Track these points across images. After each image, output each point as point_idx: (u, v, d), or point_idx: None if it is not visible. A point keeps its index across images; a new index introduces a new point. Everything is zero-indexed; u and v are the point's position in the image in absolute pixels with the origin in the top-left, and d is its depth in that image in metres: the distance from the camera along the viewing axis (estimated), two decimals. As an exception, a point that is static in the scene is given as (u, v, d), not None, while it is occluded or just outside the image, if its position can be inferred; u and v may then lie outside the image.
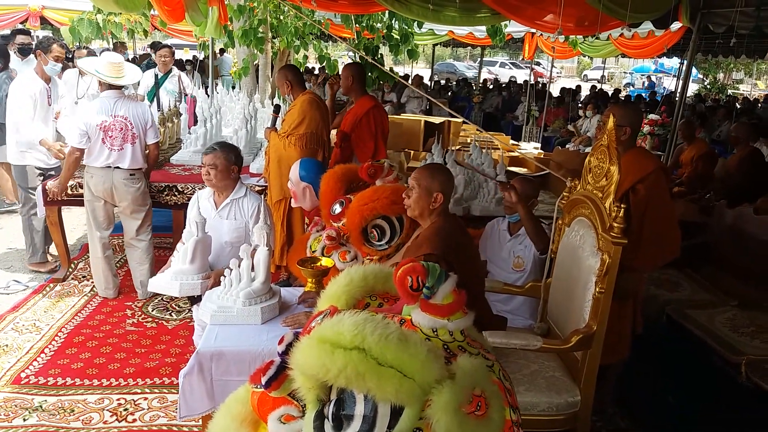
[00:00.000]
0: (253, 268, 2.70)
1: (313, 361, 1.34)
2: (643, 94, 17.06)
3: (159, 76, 6.34)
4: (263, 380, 1.60)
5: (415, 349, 1.34)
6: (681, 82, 6.76)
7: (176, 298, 4.22)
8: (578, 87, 16.15)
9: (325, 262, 2.84)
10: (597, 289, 2.46)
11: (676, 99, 7.18)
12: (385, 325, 1.37)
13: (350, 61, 7.48)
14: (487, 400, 1.40)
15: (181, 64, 11.59)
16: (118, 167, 4.12)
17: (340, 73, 4.92)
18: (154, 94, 6.25)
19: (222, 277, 2.73)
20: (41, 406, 3.07)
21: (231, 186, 3.41)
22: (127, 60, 5.58)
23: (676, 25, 6.79)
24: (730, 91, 22.00)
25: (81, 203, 4.32)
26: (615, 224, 2.42)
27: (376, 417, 1.35)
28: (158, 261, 4.37)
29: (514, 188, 3.18)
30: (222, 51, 12.03)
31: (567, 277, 2.76)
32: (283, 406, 1.61)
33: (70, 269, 4.74)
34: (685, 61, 6.71)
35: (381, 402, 1.34)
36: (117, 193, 4.17)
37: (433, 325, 1.52)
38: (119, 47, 8.32)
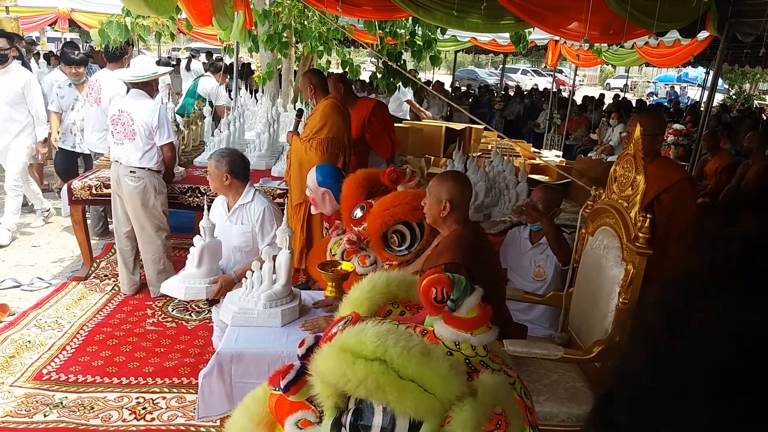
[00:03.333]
0: (274, 271, 2.71)
1: (333, 370, 1.33)
2: (664, 103, 16.88)
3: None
4: (282, 384, 1.60)
5: (437, 363, 1.32)
6: (707, 92, 6.67)
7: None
8: (602, 96, 16.01)
9: (345, 266, 2.84)
10: (621, 300, 2.43)
11: (701, 109, 7.09)
12: (408, 337, 1.35)
13: (373, 66, 7.51)
14: (507, 419, 1.38)
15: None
16: (120, 162, 4.16)
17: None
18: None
19: (243, 279, 2.75)
20: (62, 403, 3.10)
21: (237, 191, 3.46)
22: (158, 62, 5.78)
23: (702, 35, 6.71)
24: (756, 102, 21.67)
25: (105, 203, 4.37)
26: (640, 234, 2.39)
27: (394, 430, 1.34)
28: (180, 262, 4.40)
29: (533, 206, 3.16)
30: (189, 60, 11.99)
31: (590, 286, 2.73)
32: (301, 411, 1.61)
33: (93, 267, 4.79)
34: (711, 71, 6.63)
35: (400, 415, 1.32)
36: (120, 188, 4.19)
37: (456, 338, 1.50)
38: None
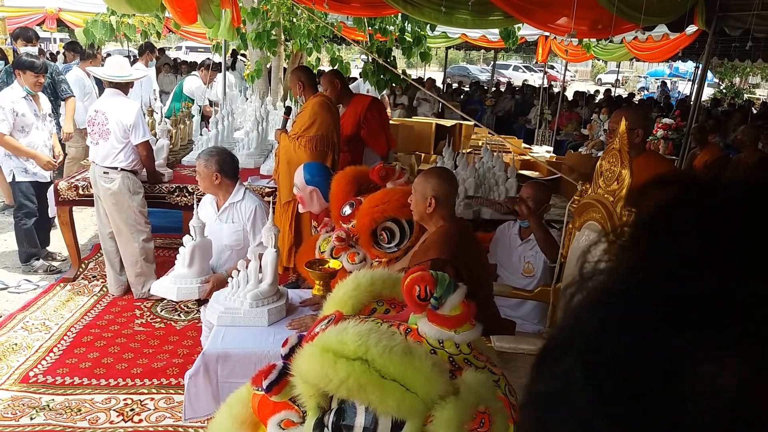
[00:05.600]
0: (260, 270, 2.69)
1: (315, 370, 1.32)
2: (654, 97, 16.92)
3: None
4: (264, 384, 1.58)
5: (419, 362, 1.31)
6: (696, 86, 6.68)
7: (184, 298, 4.22)
8: (596, 92, 16.04)
9: (333, 264, 2.83)
10: (607, 295, 2.41)
11: (691, 103, 7.11)
12: (390, 336, 1.34)
13: (362, 63, 7.49)
14: (491, 417, 1.37)
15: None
16: (95, 162, 4.12)
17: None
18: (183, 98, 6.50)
19: (230, 279, 2.73)
20: (48, 405, 3.08)
21: (227, 190, 3.44)
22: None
23: (691, 29, 6.72)
24: (746, 96, 21.77)
25: (92, 203, 4.34)
26: (626, 229, 2.38)
27: (377, 430, 1.33)
28: (168, 262, 4.37)
29: (524, 202, 3.14)
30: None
31: (577, 282, 2.72)
32: (284, 411, 1.59)
33: (81, 269, 4.75)
34: (701, 65, 6.64)
35: (382, 415, 1.31)
36: (97, 189, 4.15)
37: (439, 336, 1.49)
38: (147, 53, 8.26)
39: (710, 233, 0.33)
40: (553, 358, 0.37)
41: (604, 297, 0.36)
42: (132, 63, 7.62)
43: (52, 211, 4.48)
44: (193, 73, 7.26)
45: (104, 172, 4.09)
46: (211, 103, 6.71)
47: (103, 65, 5.81)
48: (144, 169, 4.31)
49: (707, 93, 17.54)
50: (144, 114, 4.14)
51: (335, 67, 7.14)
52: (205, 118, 6.24)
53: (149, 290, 4.15)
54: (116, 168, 4.08)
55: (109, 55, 5.68)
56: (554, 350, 0.38)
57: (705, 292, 0.31)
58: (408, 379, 1.29)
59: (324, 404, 1.48)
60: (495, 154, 4.92)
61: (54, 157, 4.71)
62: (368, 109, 4.71)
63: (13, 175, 4.55)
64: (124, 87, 4.15)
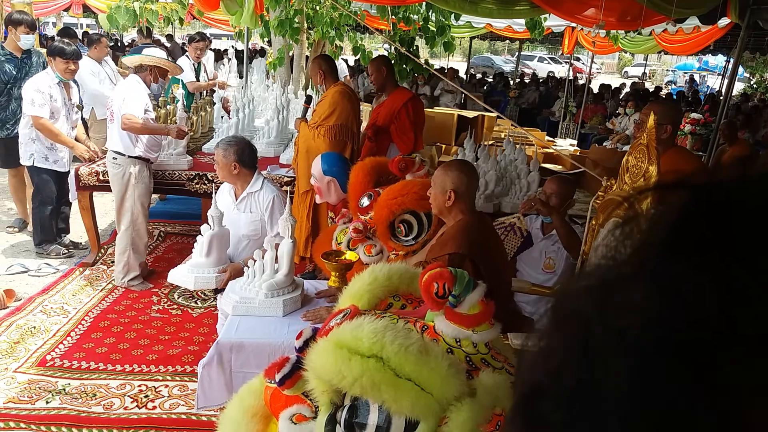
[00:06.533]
0: (276, 260, 2.66)
1: (328, 366, 1.28)
2: (684, 91, 16.59)
3: (196, 66, 6.43)
4: (277, 377, 1.55)
5: (435, 362, 1.26)
6: (727, 80, 6.51)
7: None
8: (622, 85, 15.77)
9: (350, 255, 2.79)
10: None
11: (720, 98, 6.94)
12: (406, 334, 1.30)
13: (384, 53, 7.41)
14: (508, 420, 1.32)
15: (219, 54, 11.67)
16: (107, 148, 4.13)
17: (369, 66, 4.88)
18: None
19: (246, 268, 2.71)
20: (64, 389, 3.09)
21: (245, 180, 3.41)
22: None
23: (723, 21, 6.55)
24: (777, 91, 21.26)
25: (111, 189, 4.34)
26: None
27: (390, 429, 1.29)
28: (186, 249, 4.38)
29: (545, 204, 3.08)
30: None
31: (600, 280, 2.65)
32: (296, 405, 1.56)
33: (100, 254, 4.77)
34: (732, 59, 6.47)
35: (396, 414, 1.27)
36: (108, 175, 4.15)
37: (456, 335, 1.44)
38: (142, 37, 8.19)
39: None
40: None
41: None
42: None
43: (72, 195, 4.50)
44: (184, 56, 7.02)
45: (113, 158, 4.08)
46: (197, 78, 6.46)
47: (109, 52, 5.79)
48: (153, 155, 4.26)
49: (737, 88, 17.17)
50: (140, 92, 4.02)
51: (357, 56, 7.09)
52: (190, 96, 6.06)
53: (128, 281, 4.17)
54: (124, 155, 4.05)
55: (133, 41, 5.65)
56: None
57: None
58: (423, 379, 1.25)
59: (337, 400, 1.45)
60: (518, 146, 4.84)
61: (90, 149, 4.69)
62: (405, 105, 4.53)
63: (34, 159, 4.56)
64: (145, 74, 4.09)
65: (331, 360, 1.30)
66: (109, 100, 4.15)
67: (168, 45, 9.80)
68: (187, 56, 6.55)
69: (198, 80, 6.44)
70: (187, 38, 7.24)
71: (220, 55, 12.18)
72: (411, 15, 6.93)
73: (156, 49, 4.33)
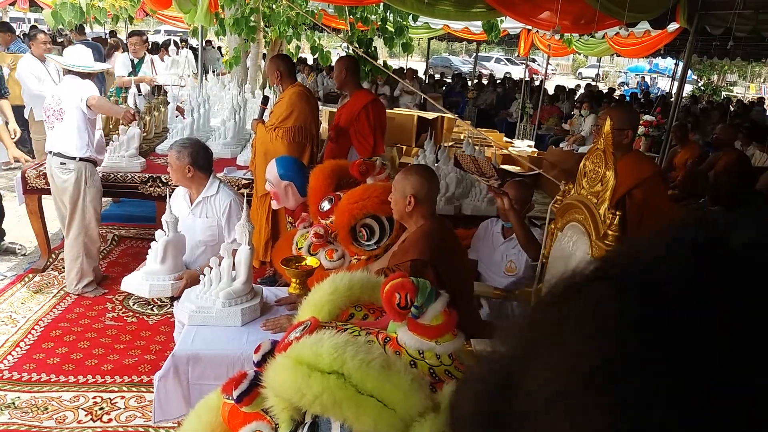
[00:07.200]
0: (234, 267, 2.61)
1: (287, 384, 1.25)
2: (638, 93, 17.01)
3: (135, 62, 6.30)
4: (234, 394, 1.52)
5: (398, 377, 1.25)
6: (677, 83, 6.69)
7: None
8: (577, 86, 16.07)
9: (311, 261, 2.76)
10: (589, 299, 2.38)
11: (671, 100, 7.13)
12: (367, 348, 1.28)
13: (344, 53, 7.37)
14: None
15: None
16: (52, 152, 3.92)
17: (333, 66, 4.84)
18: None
19: (202, 276, 2.64)
20: (14, 403, 2.97)
21: (200, 184, 3.33)
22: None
23: (672, 26, 6.73)
24: (724, 93, 22.02)
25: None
26: (610, 232, 2.34)
27: (353, 447, 1.27)
28: (141, 254, 4.26)
29: (506, 195, 3.07)
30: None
31: (558, 284, 2.68)
32: (255, 422, 1.53)
33: (50, 260, 4.61)
34: (681, 62, 6.65)
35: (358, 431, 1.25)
36: (53, 181, 3.96)
37: (419, 346, 1.43)
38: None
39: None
40: None
41: None
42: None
43: (20, 199, 4.33)
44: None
45: (61, 163, 3.91)
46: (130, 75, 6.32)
47: (46, 47, 5.62)
48: (101, 158, 4.16)
49: (686, 90, 17.67)
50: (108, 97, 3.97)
51: (315, 56, 7.03)
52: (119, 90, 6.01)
53: (82, 288, 4.05)
54: (74, 158, 3.89)
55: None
56: None
57: None
58: (386, 395, 1.23)
59: (297, 417, 1.42)
60: (477, 148, 4.87)
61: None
62: (363, 108, 4.44)
63: None
64: (85, 76, 3.97)
65: (290, 377, 1.27)
66: (52, 98, 3.94)
67: (111, 41, 9.56)
68: (127, 52, 6.47)
69: (136, 75, 6.30)
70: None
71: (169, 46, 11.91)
72: (369, 15, 6.91)
73: (80, 47, 4.20)
